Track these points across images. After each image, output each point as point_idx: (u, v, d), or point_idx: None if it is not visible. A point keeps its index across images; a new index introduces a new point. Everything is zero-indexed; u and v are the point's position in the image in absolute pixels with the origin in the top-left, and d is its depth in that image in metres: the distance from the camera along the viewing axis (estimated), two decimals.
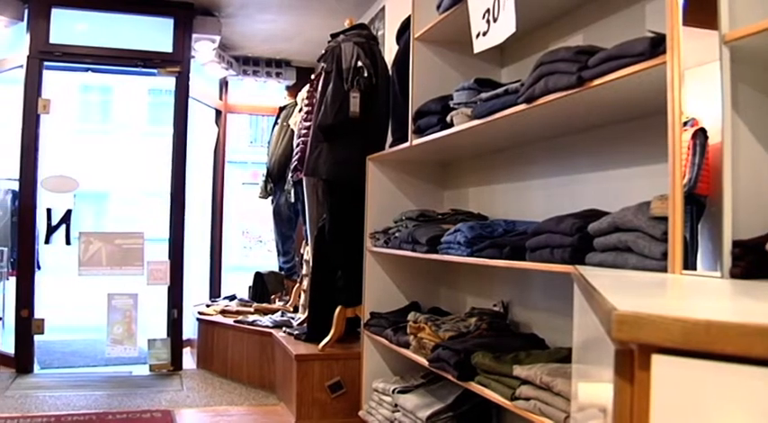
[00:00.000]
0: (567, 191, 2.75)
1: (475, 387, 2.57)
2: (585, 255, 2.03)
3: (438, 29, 3.26)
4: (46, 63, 5.52)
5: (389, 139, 4.03)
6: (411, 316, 3.32)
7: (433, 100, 3.17)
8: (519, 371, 2.33)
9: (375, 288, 3.94)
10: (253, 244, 16.10)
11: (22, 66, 5.52)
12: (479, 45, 2.69)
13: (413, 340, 3.20)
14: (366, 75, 4.04)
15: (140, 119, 20.42)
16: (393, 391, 3.52)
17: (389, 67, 4.18)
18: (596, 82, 1.92)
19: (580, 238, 2.05)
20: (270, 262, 7.66)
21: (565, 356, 2.44)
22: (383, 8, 5.10)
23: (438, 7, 3.19)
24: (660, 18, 1.72)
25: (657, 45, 1.69)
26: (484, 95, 2.59)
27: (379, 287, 3.94)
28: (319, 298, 4.49)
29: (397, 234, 3.52)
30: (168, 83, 5.87)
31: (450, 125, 2.88)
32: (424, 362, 3.00)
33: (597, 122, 2.49)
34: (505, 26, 2.47)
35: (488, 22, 2.61)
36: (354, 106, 3.96)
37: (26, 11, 5.49)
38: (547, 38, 2.97)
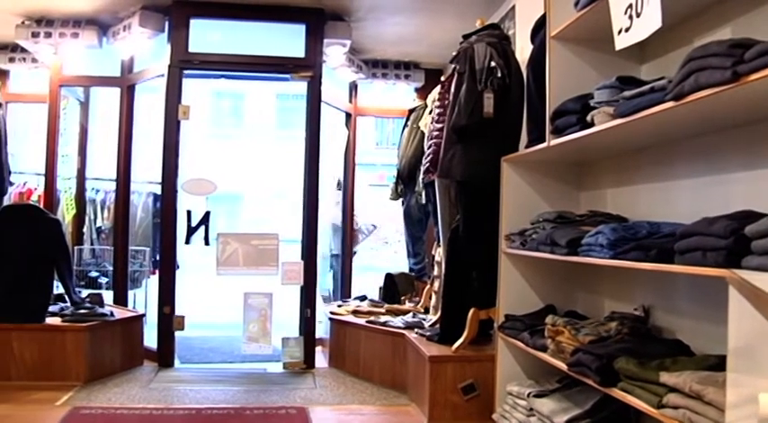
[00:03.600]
0: (716, 191, 2.64)
1: (618, 393, 2.50)
2: (741, 258, 1.93)
3: (575, 26, 3.20)
4: (185, 71, 5.76)
5: (523, 139, 3.99)
6: (549, 319, 3.26)
7: (572, 99, 3.10)
8: (666, 378, 2.25)
9: (510, 290, 3.91)
10: (378, 245, 16.27)
11: (162, 75, 5.77)
12: (622, 42, 2.62)
13: (551, 344, 3.15)
14: (499, 75, 4.00)
15: (270, 123, 21.08)
16: (528, 395, 3.48)
17: (522, 66, 4.15)
18: (753, 76, 1.83)
19: (735, 240, 1.96)
20: (395, 263, 7.72)
21: (714, 364, 2.33)
22: (513, 7, 5.05)
23: (576, 4, 3.13)
24: None
25: None
26: (627, 93, 2.52)
27: (514, 289, 3.90)
28: (452, 299, 4.48)
29: (534, 236, 3.47)
30: (297, 87, 6.01)
31: (591, 125, 2.82)
32: (563, 366, 2.94)
33: (750, 119, 2.37)
34: (650, 21, 2.39)
35: (631, 17, 2.54)
36: (488, 107, 3.92)
37: (167, 23, 5.75)
38: (691, 32, 2.86)
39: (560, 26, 3.29)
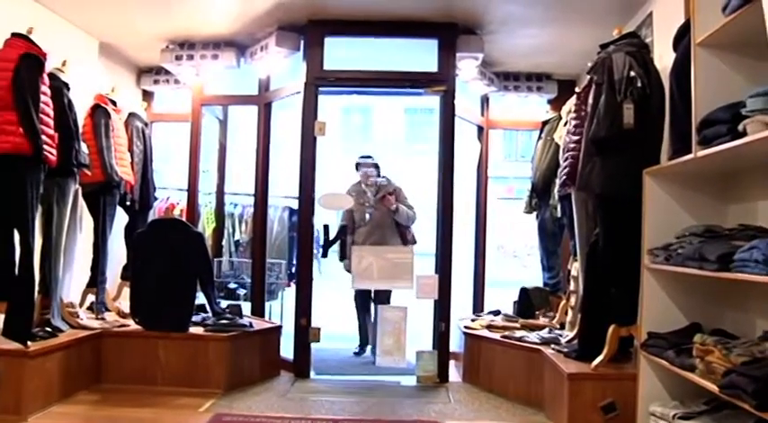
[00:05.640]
0: None
1: None
2: None
3: (723, 32, 3.06)
4: (320, 88, 5.89)
5: (665, 150, 3.86)
6: (697, 338, 3.12)
7: (721, 108, 2.97)
8: None
9: (653, 307, 3.76)
10: (508, 259, 16.14)
11: (298, 92, 5.93)
12: None
13: (699, 364, 3.02)
14: (639, 85, 3.90)
15: (398, 137, 21.32)
16: (674, 417, 3.35)
17: (663, 75, 4.02)
18: None
19: None
20: (525, 277, 7.59)
21: None
22: (650, 14, 4.91)
23: (724, 9, 2.99)
24: None
25: None
26: None
27: (657, 306, 3.75)
28: (591, 315, 4.37)
29: (680, 250, 3.34)
30: (425, 101, 6.02)
31: (743, 134, 2.68)
32: (714, 388, 2.81)
33: None
34: None
35: None
36: (628, 118, 3.83)
37: (302, 42, 5.91)
38: None
39: (706, 32, 3.15)
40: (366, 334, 6.69)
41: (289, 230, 8.11)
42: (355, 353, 6.69)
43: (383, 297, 6.27)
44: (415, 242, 6.45)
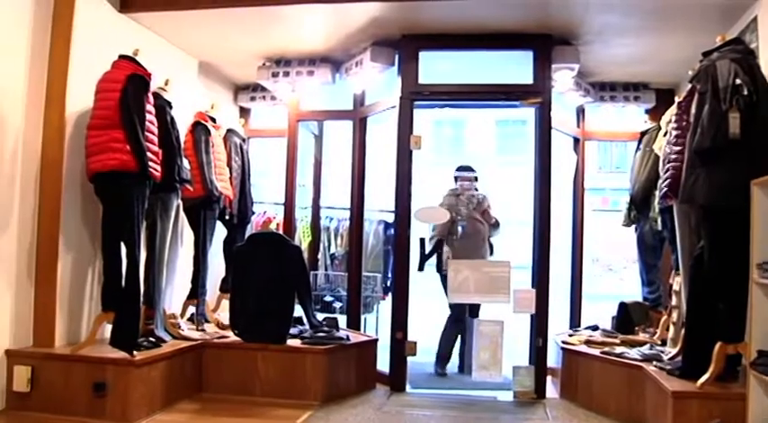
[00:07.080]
0: None
1: None
2: None
3: None
4: (415, 102, 5.91)
5: None
6: None
7: None
8: None
9: (762, 324, 3.62)
10: (602, 272, 15.80)
11: (393, 106, 5.98)
12: None
13: None
14: (745, 92, 3.77)
15: (490, 149, 21.23)
16: None
17: None
18: None
19: None
20: (621, 291, 7.40)
21: None
22: (754, 18, 4.73)
23: None
24: None
25: None
26: None
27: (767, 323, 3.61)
28: (696, 332, 4.22)
29: None
30: (517, 113, 5.97)
31: None
32: None
33: None
34: None
35: None
36: (734, 127, 3.71)
37: (396, 56, 5.96)
38: None
39: None
40: (452, 350, 6.57)
41: (384, 244, 8.13)
42: (441, 374, 6.47)
43: (476, 310, 6.29)
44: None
